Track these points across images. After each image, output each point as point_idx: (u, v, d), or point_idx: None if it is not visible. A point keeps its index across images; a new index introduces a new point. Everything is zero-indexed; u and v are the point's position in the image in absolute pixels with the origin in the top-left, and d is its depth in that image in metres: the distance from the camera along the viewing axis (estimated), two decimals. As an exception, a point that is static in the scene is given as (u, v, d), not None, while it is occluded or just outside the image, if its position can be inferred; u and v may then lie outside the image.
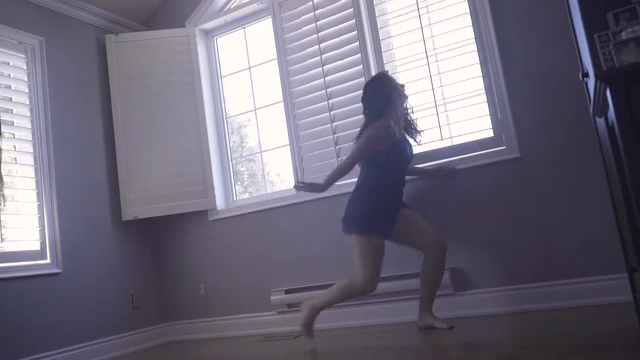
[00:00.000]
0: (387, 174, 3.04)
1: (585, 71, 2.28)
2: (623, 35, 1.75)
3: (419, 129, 3.30)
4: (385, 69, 3.60)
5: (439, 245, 2.98)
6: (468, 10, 3.39)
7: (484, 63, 3.33)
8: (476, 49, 3.36)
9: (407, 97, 3.21)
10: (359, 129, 3.62)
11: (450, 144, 3.44)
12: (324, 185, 3.13)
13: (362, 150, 3.03)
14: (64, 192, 3.79)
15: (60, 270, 3.65)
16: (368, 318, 3.55)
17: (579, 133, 3.03)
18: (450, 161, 3.38)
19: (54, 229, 3.67)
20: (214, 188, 4.22)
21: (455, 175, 3.33)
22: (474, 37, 3.37)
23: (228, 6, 4.44)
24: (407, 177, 3.25)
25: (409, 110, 3.28)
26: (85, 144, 4.06)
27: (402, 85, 3.19)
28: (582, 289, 2.97)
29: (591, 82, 2.05)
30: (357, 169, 3.13)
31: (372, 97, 3.12)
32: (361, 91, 3.62)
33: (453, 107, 3.44)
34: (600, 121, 2.22)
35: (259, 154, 4.43)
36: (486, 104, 3.33)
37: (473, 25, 3.37)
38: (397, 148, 3.04)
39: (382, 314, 3.51)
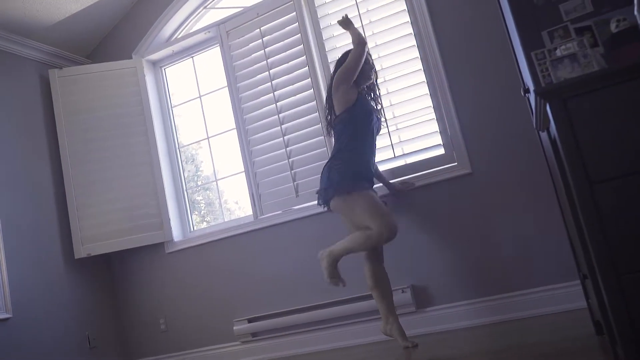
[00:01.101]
0: (361, 142, 3.03)
1: (527, 87, 2.36)
2: (558, 52, 1.83)
3: (380, 102, 3.32)
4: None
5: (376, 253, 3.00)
6: (412, 32, 3.48)
7: (430, 82, 3.41)
8: (422, 69, 3.44)
9: (375, 75, 3.26)
10: (313, 152, 3.65)
11: (404, 163, 3.49)
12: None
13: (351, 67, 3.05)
14: (11, 233, 3.63)
15: (10, 315, 3.47)
16: (323, 343, 3.52)
17: (526, 147, 3.13)
18: (406, 179, 3.42)
19: (1, 272, 3.50)
20: (169, 219, 4.13)
21: (412, 191, 3.38)
22: (419, 57, 3.45)
23: (175, 36, 4.41)
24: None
25: (376, 85, 3.32)
26: (32, 182, 3.92)
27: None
28: (540, 298, 3.03)
29: (532, 97, 2.12)
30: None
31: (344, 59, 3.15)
32: (314, 114, 3.66)
33: (404, 126, 3.50)
34: (544, 135, 2.30)
35: (215, 183, 4.37)
36: (436, 121, 3.40)
37: (418, 47, 3.46)
38: (364, 109, 3.06)
39: (339, 338, 3.48)
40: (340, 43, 3.72)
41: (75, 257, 4.00)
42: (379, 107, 3.31)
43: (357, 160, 3.00)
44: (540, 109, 1.80)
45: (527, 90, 2.38)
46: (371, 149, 3.11)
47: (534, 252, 3.09)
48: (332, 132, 3.17)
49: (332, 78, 3.18)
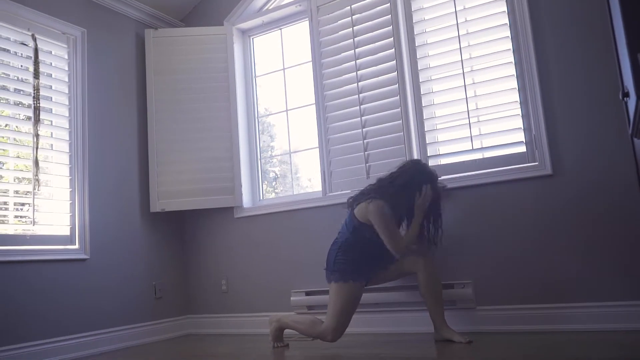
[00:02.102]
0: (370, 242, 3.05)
1: (626, 91, 2.23)
2: (668, 56, 1.71)
3: (434, 239, 3.15)
4: (420, 76, 3.59)
5: (425, 259, 3.02)
6: (507, 22, 3.35)
7: (520, 76, 3.28)
8: (513, 62, 3.31)
9: (433, 199, 3.10)
10: (388, 136, 3.62)
11: (481, 157, 3.40)
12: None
13: (386, 225, 2.96)
14: (96, 180, 3.87)
15: (88, 257, 3.72)
16: (375, 326, 3.54)
17: (615, 154, 2.96)
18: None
19: (84, 216, 3.75)
20: (241, 186, 4.26)
21: (486, 186, 3.30)
22: (511, 49, 3.32)
23: (266, 7, 4.48)
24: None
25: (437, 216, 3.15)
26: (119, 135, 4.14)
27: (437, 188, 3.15)
28: (606, 313, 2.89)
29: (632, 102, 2.00)
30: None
31: (400, 177, 3.09)
32: (395, 97, 3.63)
33: (486, 119, 3.40)
34: (639, 143, 2.17)
35: (289, 155, 4.45)
36: (520, 117, 3.28)
37: (512, 38, 3.32)
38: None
39: (389, 323, 3.49)
40: (430, 27, 3.64)
41: (151, 211, 4.22)
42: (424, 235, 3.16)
43: (361, 250, 3.06)
44: (639, 115, 1.70)
45: (626, 94, 2.24)
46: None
47: (605, 265, 2.94)
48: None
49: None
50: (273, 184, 4.65)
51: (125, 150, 4.17)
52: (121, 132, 4.17)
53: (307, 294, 3.85)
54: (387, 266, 3.16)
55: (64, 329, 3.49)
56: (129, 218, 4.11)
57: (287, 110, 4.37)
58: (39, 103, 3.58)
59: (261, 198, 4.40)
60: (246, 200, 4.30)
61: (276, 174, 4.63)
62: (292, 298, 3.89)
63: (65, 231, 3.67)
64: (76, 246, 3.69)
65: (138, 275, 4.09)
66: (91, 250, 3.75)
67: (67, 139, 3.78)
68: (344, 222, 3.18)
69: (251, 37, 4.61)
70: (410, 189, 3.06)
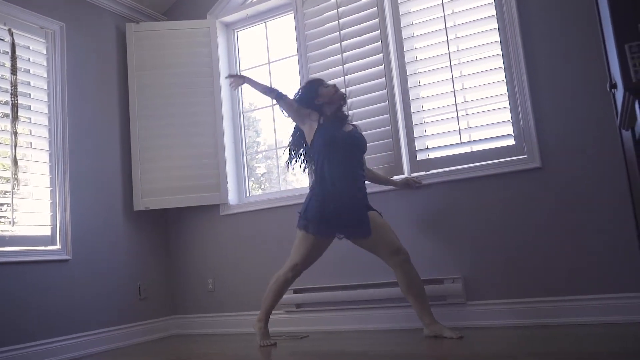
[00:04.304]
0: (329, 173, 3.09)
1: (614, 82, 2.25)
2: (655, 47, 1.73)
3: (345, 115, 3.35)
4: (407, 69, 3.59)
5: (402, 255, 3.00)
6: (494, 14, 3.36)
7: (508, 68, 3.30)
8: (501, 54, 3.33)
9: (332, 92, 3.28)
10: (376, 130, 3.63)
11: (469, 150, 3.42)
12: (248, 80, 3.49)
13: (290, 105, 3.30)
14: (77, 178, 3.83)
15: (70, 257, 3.68)
16: (365, 323, 3.55)
17: (604, 146, 2.99)
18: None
19: (66, 216, 3.71)
20: (227, 182, 4.24)
21: (474, 180, 3.32)
22: (499, 41, 3.34)
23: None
24: (379, 187, 3.45)
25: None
26: (100, 131, 4.10)
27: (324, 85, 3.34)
28: (599, 305, 2.93)
29: (619, 93, 2.02)
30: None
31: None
32: (382, 91, 3.64)
33: (474, 112, 3.41)
34: (627, 134, 2.19)
35: (274, 151, 4.43)
36: (509, 110, 3.30)
37: (499, 30, 3.34)
38: (327, 133, 3.15)
39: (381, 320, 3.50)
40: (417, 19, 3.64)
41: (134, 209, 4.18)
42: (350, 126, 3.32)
43: (322, 198, 3.10)
44: (627, 106, 1.71)
45: (614, 86, 2.26)
46: (348, 174, 3.12)
47: (597, 258, 2.97)
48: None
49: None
50: (259, 180, 4.64)
51: (107, 148, 4.13)
52: (103, 128, 4.12)
53: (296, 291, 3.85)
54: (354, 239, 3.16)
55: (46, 332, 3.46)
56: (112, 217, 4.07)
57: (272, 105, 4.35)
58: (16, 100, 3.53)
59: (247, 195, 4.38)
60: (232, 197, 4.29)
61: (264, 170, 4.62)
62: (280, 296, 3.88)
63: (46, 231, 3.63)
64: (57, 247, 3.65)
65: (122, 275, 4.06)
66: (73, 251, 3.71)
67: (47, 136, 3.74)
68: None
69: (235, 31, 4.58)
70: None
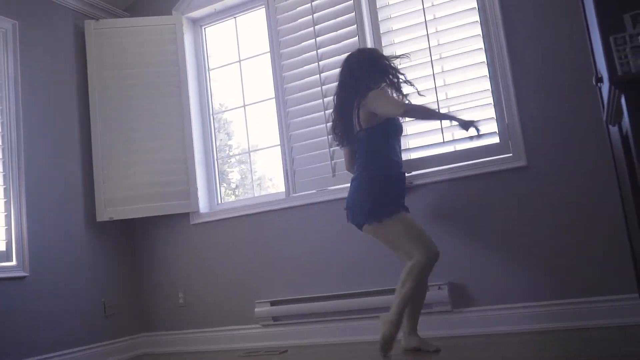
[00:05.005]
0: (387, 153, 3.02)
1: (600, 76, 2.29)
2: (641, 38, 1.76)
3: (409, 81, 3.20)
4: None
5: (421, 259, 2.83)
6: (476, 6, 3.40)
7: (491, 63, 3.34)
8: (484, 48, 3.36)
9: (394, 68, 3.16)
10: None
11: (452, 149, 3.45)
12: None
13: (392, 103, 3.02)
14: (33, 188, 3.76)
15: (27, 274, 3.61)
16: (346, 335, 3.54)
17: (592, 142, 3.04)
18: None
19: (22, 229, 3.64)
20: (197, 189, 4.20)
21: (458, 181, 3.34)
22: (481, 34, 3.37)
23: (219, -7, 4.44)
24: None
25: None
26: (59, 137, 4.03)
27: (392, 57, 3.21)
28: (590, 309, 2.97)
29: (605, 87, 2.05)
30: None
31: (363, 69, 3.08)
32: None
33: (457, 109, 3.44)
34: (614, 129, 2.23)
35: (247, 155, 4.41)
36: (492, 107, 3.33)
37: (481, 23, 3.38)
38: (391, 120, 3.05)
39: (364, 331, 3.46)
40: (395, 13, 3.67)
41: (97, 220, 4.12)
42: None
43: (387, 177, 2.98)
44: (613, 100, 1.74)
45: (599, 79, 2.31)
46: (398, 157, 3.10)
47: (587, 258, 3.01)
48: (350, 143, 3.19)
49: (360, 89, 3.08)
50: (232, 186, 4.62)
51: (66, 154, 4.06)
52: (61, 134, 4.06)
53: (273, 304, 3.83)
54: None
55: (1, 357, 3.38)
56: (73, 229, 4.00)
57: (244, 106, 4.33)
58: (-35, 104, 3.46)
59: (219, 202, 4.35)
60: (203, 205, 4.25)
61: (238, 175, 4.59)
62: (256, 309, 3.86)
63: (1, 246, 3.56)
64: (13, 262, 3.58)
65: (85, 291, 3.99)
66: (31, 267, 3.64)
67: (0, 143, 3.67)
68: (356, 159, 3.12)
69: (203, 27, 4.56)
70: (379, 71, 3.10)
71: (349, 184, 3.22)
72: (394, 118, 3.07)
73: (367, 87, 3.03)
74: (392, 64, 3.14)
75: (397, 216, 2.92)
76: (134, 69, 4.29)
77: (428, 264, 2.83)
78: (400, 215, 2.93)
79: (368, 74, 3.06)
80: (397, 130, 3.10)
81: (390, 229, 2.92)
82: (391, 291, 3.38)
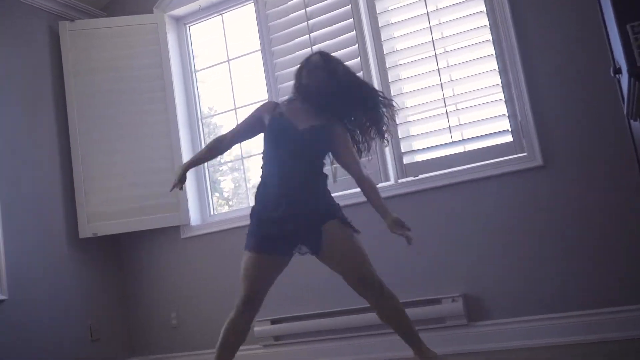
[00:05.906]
0: (267, 172, 2.83)
1: (617, 66, 2.28)
2: (661, 26, 1.76)
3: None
4: (386, 61, 3.61)
5: (370, 289, 2.69)
6: (482, -5, 3.41)
7: (500, 55, 3.34)
8: (491, 39, 3.36)
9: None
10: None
11: (462, 150, 3.44)
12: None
13: None
14: (10, 205, 3.75)
15: (5, 297, 3.60)
16: (354, 354, 3.53)
17: (612, 138, 3.03)
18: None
19: (-1, 249, 3.64)
20: (187, 200, 4.20)
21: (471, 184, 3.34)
22: (488, 25, 3.37)
23: (203, -12, 4.44)
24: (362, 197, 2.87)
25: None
26: (35, 149, 4.03)
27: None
28: (612, 320, 2.96)
29: (624, 79, 2.05)
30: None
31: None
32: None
33: (465, 107, 3.44)
34: (636, 124, 2.23)
35: (241, 161, 4.41)
36: (504, 103, 3.33)
37: (487, 12, 3.38)
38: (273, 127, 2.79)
39: (372, 349, 3.45)
40: (393, 4, 3.67)
41: (80, 237, 4.12)
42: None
43: (256, 207, 2.79)
44: (634, 93, 1.74)
45: (618, 70, 2.30)
46: (285, 173, 2.75)
47: (611, 265, 3.01)
48: None
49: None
50: (226, 196, 4.61)
51: (43, 167, 4.06)
52: (37, 144, 4.05)
53: (274, 322, 3.82)
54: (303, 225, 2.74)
55: (-18, 387, 3.38)
56: (54, 247, 4.00)
57: (235, 109, 4.33)
58: None
59: (212, 213, 4.35)
60: (194, 217, 4.25)
61: (231, 184, 4.59)
62: (256, 328, 3.85)
63: (-24, 269, 3.56)
64: (-10, 286, 3.58)
65: (69, 314, 3.98)
66: (9, 289, 3.63)
67: (-28, 158, 3.67)
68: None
69: (187, 25, 4.56)
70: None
71: (350, 190, 3.21)
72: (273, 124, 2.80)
73: (347, 116, 2.72)
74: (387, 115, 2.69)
75: (245, 252, 2.74)
76: (114, 73, 4.28)
77: (233, 319, 2.81)
78: (245, 253, 2.74)
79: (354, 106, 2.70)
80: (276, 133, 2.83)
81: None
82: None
